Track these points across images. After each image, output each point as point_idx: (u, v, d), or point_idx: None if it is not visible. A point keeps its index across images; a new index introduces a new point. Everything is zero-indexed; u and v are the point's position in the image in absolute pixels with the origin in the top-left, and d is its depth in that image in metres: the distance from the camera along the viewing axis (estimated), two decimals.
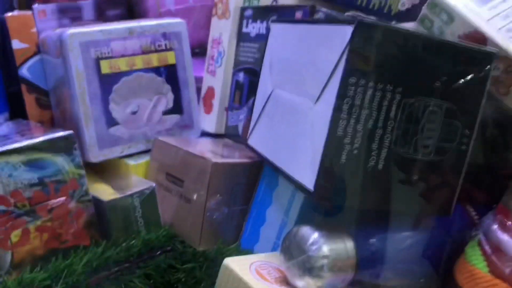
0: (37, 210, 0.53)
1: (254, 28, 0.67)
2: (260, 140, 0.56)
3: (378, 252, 0.47)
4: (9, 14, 0.68)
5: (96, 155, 0.64)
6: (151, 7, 0.78)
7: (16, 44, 0.68)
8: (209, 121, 0.72)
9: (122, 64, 0.64)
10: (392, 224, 0.47)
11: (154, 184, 0.59)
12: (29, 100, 0.70)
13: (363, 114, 0.42)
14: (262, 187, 0.57)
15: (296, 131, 0.47)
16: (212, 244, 0.57)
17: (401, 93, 0.42)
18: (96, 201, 0.57)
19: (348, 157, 0.42)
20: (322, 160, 0.42)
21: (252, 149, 0.58)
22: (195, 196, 0.57)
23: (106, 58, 0.63)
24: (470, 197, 0.53)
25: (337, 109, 0.41)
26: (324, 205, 0.43)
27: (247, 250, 0.56)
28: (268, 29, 0.60)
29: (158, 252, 0.57)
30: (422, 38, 0.43)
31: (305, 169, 0.45)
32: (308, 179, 0.44)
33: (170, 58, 0.68)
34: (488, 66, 0.43)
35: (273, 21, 0.59)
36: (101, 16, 0.76)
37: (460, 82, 0.43)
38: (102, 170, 0.65)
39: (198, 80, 0.73)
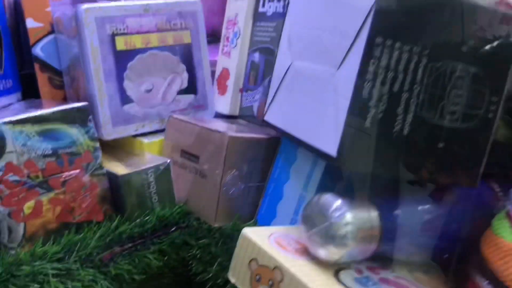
0: (50, 182, 0.52)
1: (270, 7, 0.66)
2: (278, 114, 0.55)
3: (402, 225, 0.45)
4: None
5: (109, 133, 0.63)
6: None
7: (30, 23, 0.68)
8: (223, 103, 0.71)
9: (137, 41, 0.64)
10: (416, 195, 0.45)
11: (169, 160, 0.58)
12: (42, 79, 0.69)
13: (389, 76, 0.40)
14: (279, 162, 0.56)
15: (318, 99, 0.46)
16: (228, 220, 0.55)
17: (428, 56, 0.41)
18: (110, 176, 0.56)
19: (372, 121, 0.41)
20: (346, 124, 0.41)
21: (269, 125, 0.57)
22: (211, 171, 0.56)
23: (121, 34, 0.63)
24: (493, 173, 0.51)
25: (362, 70, 0.40)
26: (347, 170, 0.42)
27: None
28: (285, 6, 0.59)
29: (173, 228, 0.56)
30: None
31: (327, 136, 0.43)
32: (331, 145, 0.43)
33: (186, 37, 0.67)
34: None
35: None
36: None
37: (488, 47, 0.42)
38: (115, 149, 0.64)
39: (211, 64, 0.73)
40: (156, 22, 0.65)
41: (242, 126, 0.65)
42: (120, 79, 0.63)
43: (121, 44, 0.63)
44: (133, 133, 0.64)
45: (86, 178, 0.54)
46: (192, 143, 0.60)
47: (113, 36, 0.62)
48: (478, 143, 0.44)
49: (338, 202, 0.42)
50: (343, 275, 0.43)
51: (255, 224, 0.55)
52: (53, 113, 0.52)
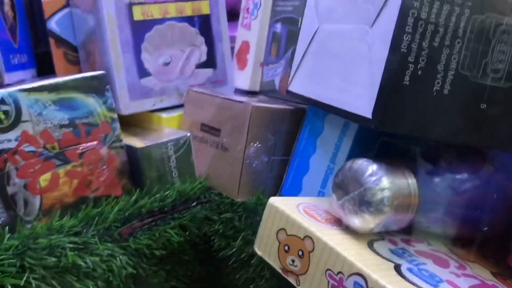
0: (67, 153, 0.50)
1: None
2: (304, 83, 0.52)
3: (441, 194, 0.42)
4: None
5: (127, 107, 0.60)
6: None
7: None
8: (243, 78, 0.68)
9: (155, 11, 0.61)
10: (456, 161, 0.42)
11: (189, 134, 0.56)
12: (57, 54, 0.67)
13: (429, 30, 0.37)
14: (305, 134, 0.54)
15: (350, 59, 0.43)
16: (251, 195, 0.53)
17: (471, 7, 0.38)
18: (129, 149, 0.54)
19: (411, 78, 0.38)
20: (382, 81, 0.38)
21: (294, 96, 0.54)
22: (233, 144, 0.53)
23: (138, 3, 0.60)
24: None
25: (401, 22, 0.37)
26: (383, 130, 0.39)
27: None
28: None
29: (194, 203, 0.53)
30: None
31: (361, 98, 0.41)
32: (365, 108, 0.40)
33: (205, 7, 0.65)
34: None
35: None
36: None
37: None
38: (133, 126, 0.62)
39: (230, 41, 0.70)
40: None
41: (264, 100, 0.63)
42: (137, 51, 0.61)
43: (138, 13, 0.60)
44: (151, 108, 0.62)
45: (104, 151, 0.52)
46: (213, 116, 0.57)
47: (130, 5, 0.60)
48: None
49: (374, 166, 0.39)
50: (377, 245, 0.41)
51: None
52: (69, 81, 0.50)
